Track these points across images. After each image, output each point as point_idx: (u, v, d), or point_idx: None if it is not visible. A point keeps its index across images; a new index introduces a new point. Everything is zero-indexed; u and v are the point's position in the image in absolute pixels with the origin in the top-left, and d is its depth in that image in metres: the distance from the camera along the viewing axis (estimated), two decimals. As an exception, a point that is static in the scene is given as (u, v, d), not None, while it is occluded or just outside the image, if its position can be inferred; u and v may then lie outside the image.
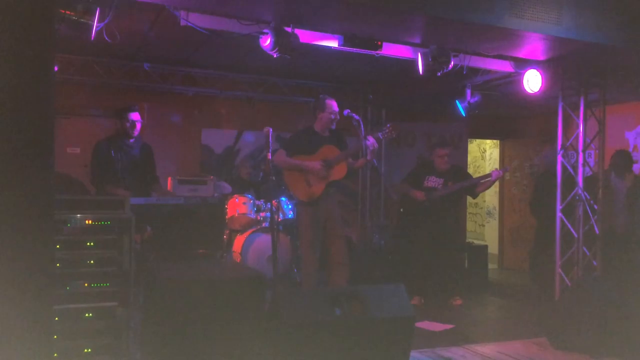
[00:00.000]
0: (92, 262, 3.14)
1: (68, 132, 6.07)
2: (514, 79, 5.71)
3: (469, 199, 8.43)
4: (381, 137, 4.82)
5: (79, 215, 3.14)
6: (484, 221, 10.29)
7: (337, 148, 4.86)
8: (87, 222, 3.15)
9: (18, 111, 1.97)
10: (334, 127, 4.90)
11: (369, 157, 4.69)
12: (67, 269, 3.08)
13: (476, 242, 8.18)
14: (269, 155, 4.27)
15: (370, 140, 4.64)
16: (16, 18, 1.94)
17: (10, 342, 1.87)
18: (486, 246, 7.40)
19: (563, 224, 5.88)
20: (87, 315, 3.10)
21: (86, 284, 3.12)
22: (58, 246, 3.05)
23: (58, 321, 3.01)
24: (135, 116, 4.89)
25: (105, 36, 4.10)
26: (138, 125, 4.90)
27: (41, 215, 2.01)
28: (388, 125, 4.91)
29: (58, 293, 3.02)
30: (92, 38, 3.97)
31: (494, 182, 5.90)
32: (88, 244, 3.15)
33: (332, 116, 4.84)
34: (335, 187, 4.92)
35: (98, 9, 3.84)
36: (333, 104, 4.87)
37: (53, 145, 2.06)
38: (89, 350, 3.08)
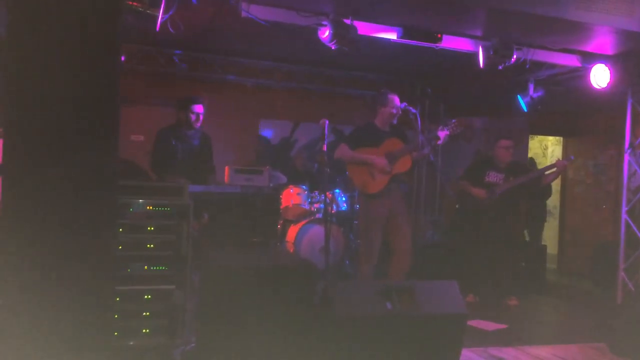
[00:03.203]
0: (151, 245, 3.25)
1: (132, 120, 6.28)
2: (580, 74, 5.50)
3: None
4: (447, 132, 4.76)
5: (141, 200, 3.25)
6: (544, 220, 9.98)
7: (400, 141, 4.84)
8: (148, 207, 3.26)
9: (86, 99, 2.06)
10: (394, 122, 4.88)
11: (426, 151, 4.74)
12: (128, 252, 3.21)
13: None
14: (325, 147, 4.29)
15: (443, 133, 4.69)
16: (87, 9, 2.03)
17: (73, 319, 1.97)
18: (545, 246, 7.17)
19: (628, 226, 5.65)
20: (146, 297, 3.22)
21: (146, 267, 3.24)
22: (121, 229, 3.18)
23: (118, 301, 3.14)
24: (198, 108, 4.93)
25: (169, 27, 4.21)
26: (201, 118, 4.95)
27: (106, 199, 2.10)
28: (453, 120, 4.81)
29: (119, 274, 3.14)
30: (157, 29, 4.09)
31: (559, 174, 5.66)
32: (148, 228, 3.26)
33: (394, 111, 4.79)
34: (400, 181, 4.90)
35: (163, 0, 3.95)
36: (395, 99, 4.82)
37: (118, 132, 2.15)
38: (147, 330, 3.20)
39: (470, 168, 5.95)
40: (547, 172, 5.66)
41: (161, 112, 6.33)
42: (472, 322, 4.61)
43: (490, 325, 4.72)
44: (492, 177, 5.64)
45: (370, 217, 4.78)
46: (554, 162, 5.67)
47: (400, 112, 4.81)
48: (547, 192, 7.06)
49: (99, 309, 2.03)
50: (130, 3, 3.89)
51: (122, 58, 5.01)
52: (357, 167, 4.81)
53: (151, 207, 3.26)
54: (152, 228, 3.26)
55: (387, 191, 4.76)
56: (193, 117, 4.91)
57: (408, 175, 7.23)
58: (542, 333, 4.87)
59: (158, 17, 3.97)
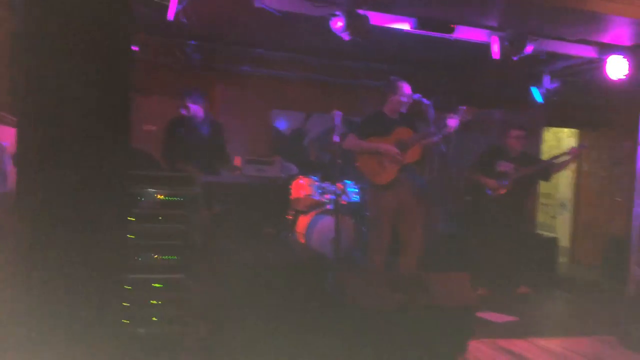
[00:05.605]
0: (162, 235, 3.28)
1: (145, 111, 6.30)
2: (596, 65, 5.42)
3: (542, 189, 8.13)
4: (457, 119, 4.65)
5: (151, 190, 3.28)
6: (556, 213, 9.90)
7: (411, 130, 4.79)
8: (158, 196, 3.29)
9: (98, 89, 2.07)
10: (403, 110, 4.82)
11: (436, 139, 4.65)
12: (139, 241, 3.24)
13: (546, 234, 7.89)
14: (336, 138, 4.29)
15: (453, 121, 4.56)
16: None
17: (84, 305, 1.99)
18: (556, 238, 7.12)
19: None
20: (155, 285, 3.25)
21: (156, 256, 3.27)
22: (132, 219, 3.21)
23: (129, 290, 3.18)
24: (189, 101, 4.92)
25: (181, 18, 4.22)
26: (192, 109, 4.92)
27: (117, 188, 2.12)
28: (463, 107, 4.70)
29: (130, 263, 3.18)
30: (171, 18, 4.09)
31: (571, 161, 5.60)
32: (159, 217, 3.29)
33: (404, 99, 4.71)
34: (410, 171, 4.83)
35: (175, -10, 3.96)
36: (405, 87, 4.75)
37: (130, 122, 2.16)
38: (156, 319, 3.23)
39: (481, 158, 5.90)
40: (559, 160, 5.60)
41: (174, 102, 6.35)
42: (482, 314, 4.61)
43: (500, 317, 4.71)
44: (503, 166, 5.59)
45: (379, 208, 4.73)
46: (568, 148, 5.61)
47: (411, 101, 4.75)
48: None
49: (109, 296, 2.06)
50: (142, -8, 3.90)
51: (136, 48, 5.01)
52: (367, 157, 4.74)
53: (161, 197, 3.29)
54: (162, 217, 3.29)
55: (397, 182, 4.70)
56: (184, 110, 4.91)
57: (419, 165, 7.19)
58: (552, 325, 4.86)
59: (170, 7, 3.98)
